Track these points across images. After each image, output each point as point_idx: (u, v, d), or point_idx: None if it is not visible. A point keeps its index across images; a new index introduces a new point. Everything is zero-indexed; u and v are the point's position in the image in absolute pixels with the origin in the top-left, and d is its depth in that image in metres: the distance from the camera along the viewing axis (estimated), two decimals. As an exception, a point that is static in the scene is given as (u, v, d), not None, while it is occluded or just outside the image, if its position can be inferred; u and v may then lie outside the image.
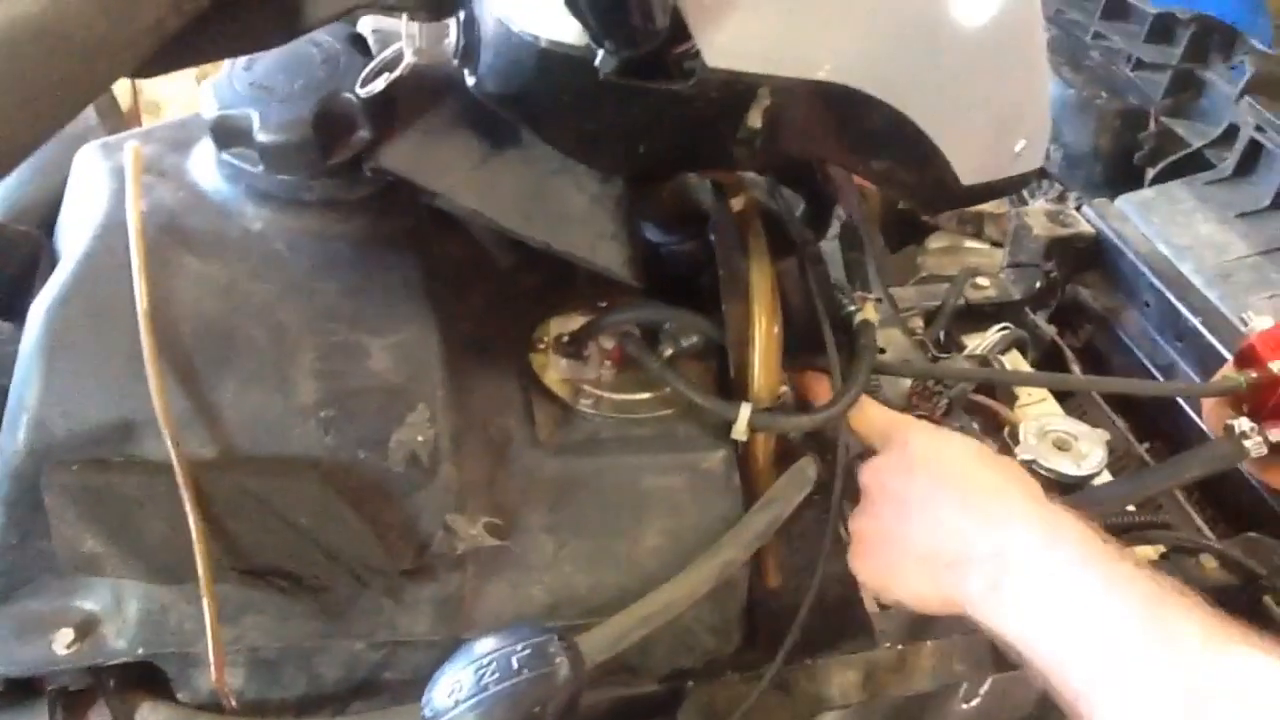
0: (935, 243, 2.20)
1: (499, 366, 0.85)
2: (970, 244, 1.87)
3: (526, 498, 0.81)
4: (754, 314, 0.84)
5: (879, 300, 1.28)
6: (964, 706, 0.94)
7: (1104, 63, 1.61)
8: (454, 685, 0.61)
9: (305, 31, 0.54)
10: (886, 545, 0.82)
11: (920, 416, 1.13)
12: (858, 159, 0.76)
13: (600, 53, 0.63)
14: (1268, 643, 0.65)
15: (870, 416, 0.87)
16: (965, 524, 0.76)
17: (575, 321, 0.91)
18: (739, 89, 0.67)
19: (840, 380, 0.86)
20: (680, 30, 0.64)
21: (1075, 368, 1.42)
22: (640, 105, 0.69)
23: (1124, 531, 1.11)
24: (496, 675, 0.60)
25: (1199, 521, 1.22)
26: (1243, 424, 0.93)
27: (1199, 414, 1.31)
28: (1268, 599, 1.08)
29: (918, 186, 0.77)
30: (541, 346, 0.90)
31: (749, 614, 0.92)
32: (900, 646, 0.98)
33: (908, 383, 1.15)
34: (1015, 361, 1.35)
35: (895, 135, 0.72)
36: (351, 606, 0.78)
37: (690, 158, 0.79)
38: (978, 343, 1.35)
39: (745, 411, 0.82)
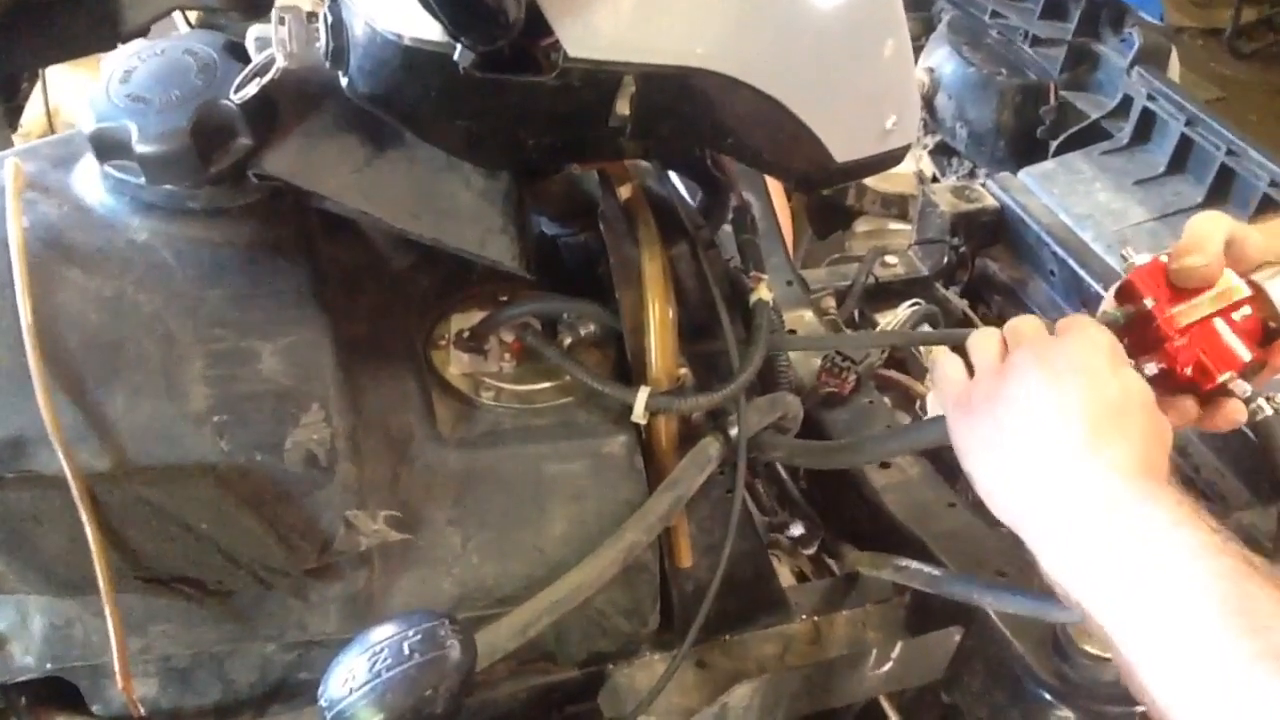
0: (861, 227, 2.23)
1: (398, 365, 0.85)
2: (894, 226, 1.91)
3: (430, 492, 0.82)
4: (647, 300, 0.86)
5: (789, 282, 1.32)
6: (876, 671, 0.96)
7: (1003, 41, 1.65)
8: (348, 674, 0.61)
9: (127, 37, 0.55)
10: (994, 430, 0.77)
11: (829, 393, 1.16)
12: (732, 142, 0.77)
13: (459, 48, 0.64)
14: None
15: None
16: (1070, 449, 0.72)
17: (475, 317, 0.92)
18: (603, 78, 0.68)
19: (737, 359, 0.88)
20: (542, 23, 0.65)
21: (987, 340, 1.45)
22: (508, 99, 0.70)
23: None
24: (389, 661, 0.61)
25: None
26: None
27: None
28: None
29: (793, 166, 0.79)
30: (442, 343, 0.91)
31: (664, 595, 0.93)
32: (815, 618, 1.00)
33: (818, 361, 1.17)
34: (927, 336, 1.38)
35: (766, 118, 0.74)
36: (258, 609, 0.78)
37: (570, 149, 0.80)
38: (889, 319, 1.38)
39: (643, 395, 0.83)
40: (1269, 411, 0.85)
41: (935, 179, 1.77)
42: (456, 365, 0.89)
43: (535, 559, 0.84)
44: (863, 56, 0.76)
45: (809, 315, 1.29)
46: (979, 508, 1.10)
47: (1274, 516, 1.10)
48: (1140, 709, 0.86)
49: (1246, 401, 0.84)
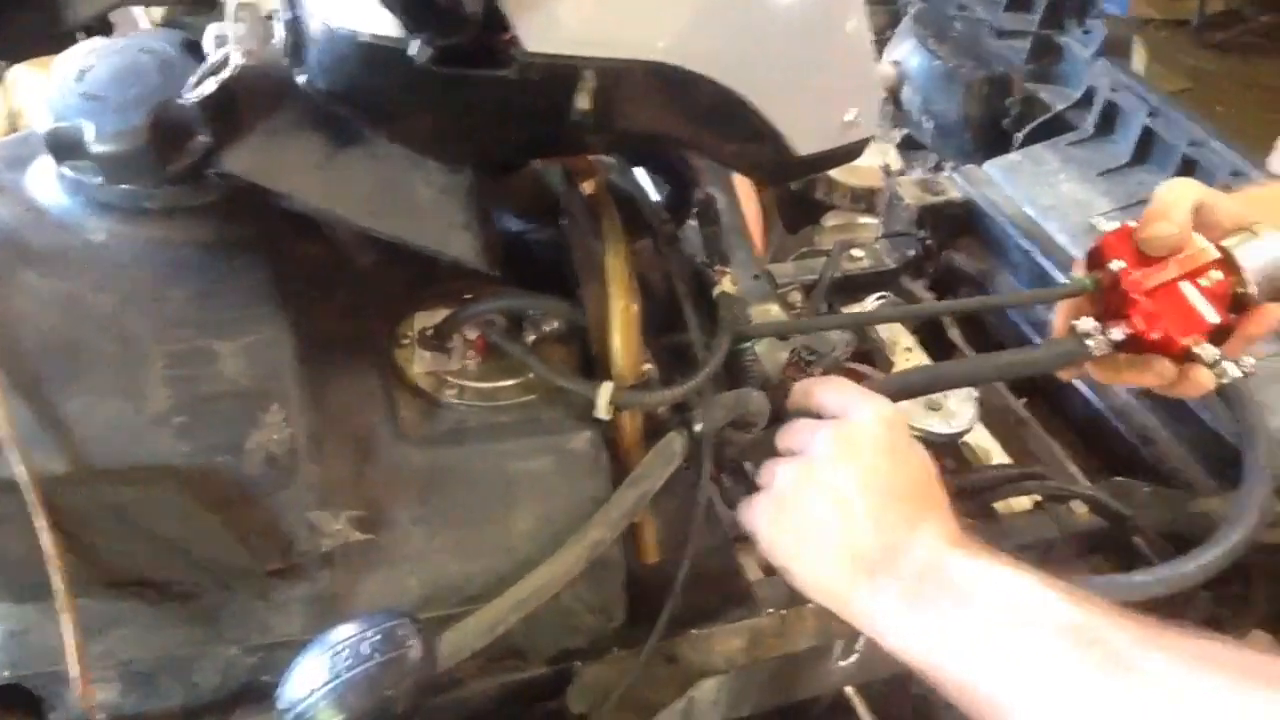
0: (831, 221, 2.24)
1: (361, 364, 0.85)
2: (864, 220, 1.91)
3: (394, 491, 0.82)
4: (611, 295, 0.86)
5: (756, 276, 1.31)
6: (841, 664, 0.96)
7: (968, 33, 1.65)
8: (307, 675, 0.61)
9: (71, 32, 0.54)
10: (803, 519, 0.81)
11: (796, 385, 1.16)
12: (693, 136, 0.77)
13: (416, 43, 0.64)
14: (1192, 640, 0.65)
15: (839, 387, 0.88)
16: (889, 523, 0.76)
17: (439, 315, 0.91)
18: (562, 73, 0.68)
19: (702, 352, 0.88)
20: (501, 17, 0.65)
21: (954, 332, 1.46)
22: (467, 94, 0.70)
23: (999, 484, 1.15)
24: (349, 662, 0.61)
25: (1074, 469, 1.26)
26: (1086, 324, 0.91)
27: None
28: (1137, 539, 1.12)
29: (754, 160, 0.79)
30: (405, 341, 0.90)
31: (631, 591, 0.93)
32: (783, 611, 1.00)
33: (784, 355, 1.17)
34: (895, 329, 1.39)
35: (726, 111, 0.74)
36: (221, 612, 0.78)
37: (532, 144, 0.80)
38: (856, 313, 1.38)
39: (606, 390, 0.83)
40: (1237, 375, 0.85)
41: (903, 172, 1.77)
42: (420, 363, 0.89)
43: (502, 557, 0.84)
44: (823, 49, 0.76)
45: (776, 309, 1.28)
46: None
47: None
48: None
49: (1213, 366, 0.85)
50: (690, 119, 0.75)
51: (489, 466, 0.84)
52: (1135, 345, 0.88)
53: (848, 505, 0.77)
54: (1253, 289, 0.87)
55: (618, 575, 0.91)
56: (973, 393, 1.17)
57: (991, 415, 1.37)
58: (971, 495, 1.15)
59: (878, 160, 1.77)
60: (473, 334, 0.90)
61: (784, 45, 0.74)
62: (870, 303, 1.39)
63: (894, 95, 1.69)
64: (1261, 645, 1.34)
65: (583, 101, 0.69)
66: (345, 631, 0.63)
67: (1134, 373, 0.92)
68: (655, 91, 0.71)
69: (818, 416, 0.87)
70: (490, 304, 0.89)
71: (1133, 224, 0.90)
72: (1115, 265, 0.87)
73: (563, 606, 0.89)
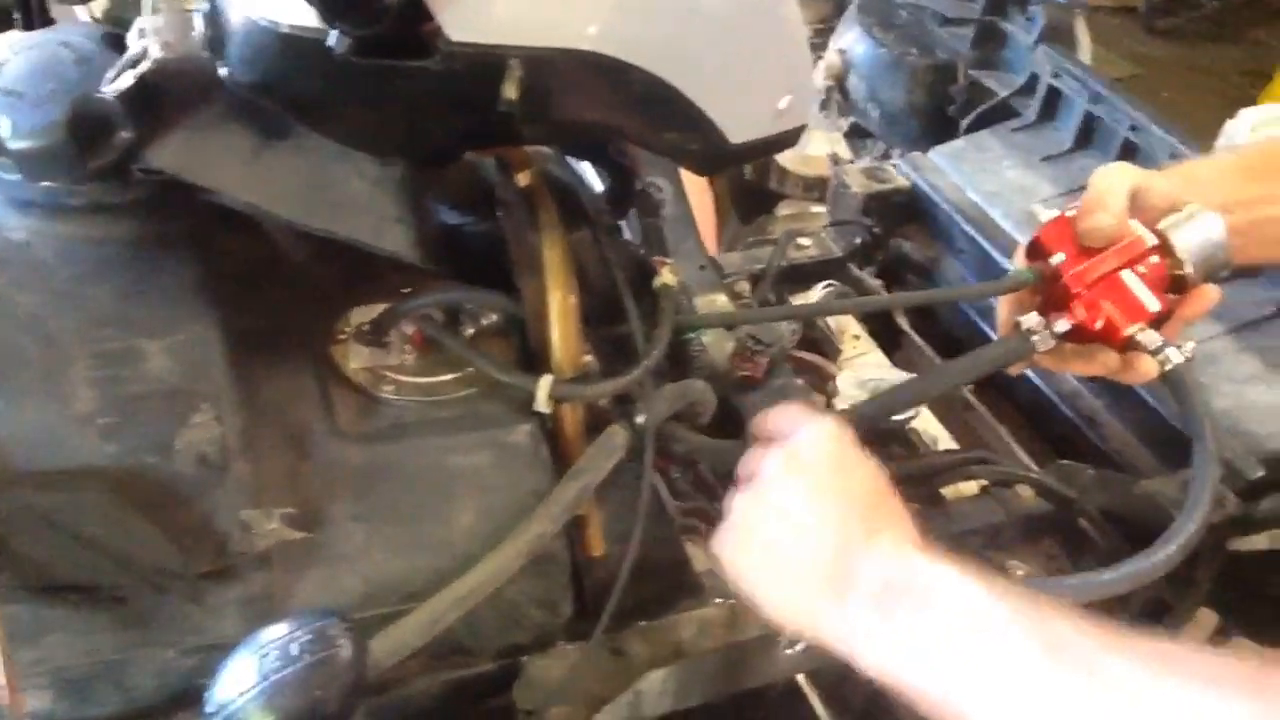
0: (784, 210, 2.24)
1: (295, 360, 0.84)
2: (816, 209, 1.92)
3: (331, 489, 0.81)
4: (548, 287, 0.85)
5: (702, 267, 1.31)
6: (790, 651, 0.96)
7: (913, 21, 1.66)
8: (236, 677, 0.60)
9: None
10: (761, 544, 0.79)
11: (744, 376, 1.16)
12: (624, 126, 0.77)
13: (335, 33, 0.63)
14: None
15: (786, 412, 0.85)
16: (846, 535, 0.74)
17: (377, 310, 0.90)
18: (487, 62, 0.67)
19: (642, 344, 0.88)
20: (423, 6, 0.64)
21: (903, 320, 1.46)
22: (391, 85, 0.69)
23: (945, 469, 1.16)
24: (278, 663, 0.60)
25: (1022, 454, 1.27)
26: (1029, 319, 0.90)
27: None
28: (1083, 522, 1.13)
29: (688, 149, 0.79)
30: (342, 337, 0.89)
31: (578, 584, 0.93)
32: (732, 601, 1.00)
33: (730, 345, 1.17)
34: (843, 317, 1.39)
35: (657, 100, 0.73)
36: (155, 615, 0.76)
37: (463, 135, 0.79)
38: (804, 301, 1.39)
39: (544, 383, 0.83)
40: (1179, 360, 0.86)
41: (852, 161, 1.78)
42: (357, 359, 0.88)
43: (442, 553, 0.83)
44: (754, 37, 0.76)
45: (723, 299, 1.28)
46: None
47: (1179, 484, 1.12)
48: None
49: (1156, 352, 0.85)
50: (621, 108, 0.74)
51: (428, 462, 0.83)
52: (1079, 336, 0.88)
53: (800, 522, 0.75)
54: (1190, 271, 0.88)
55: (562, 569, 0.90)
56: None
57: (939, 402, 1.38)
58: (918, 481, 1.15)
59: (825, 149, 1.77)
60: (410, 328, 0.89)
61: (714, 33, 0.73)
62: (818, 291, 1.39)
63: (840, 84, 1.70)
64: (1209, 622, 1.36)
65: (510, 91, 0.68)
66: (275, 632, 0.62)
67: (1080, 362, 0.93)
68: (584, 81, 0.71)
69: None
70: (427, 298, 0.88)
71: (1070, 212, 0.90)
72: (1055, 259, 0.88)
73: (506, 601, 0.88)
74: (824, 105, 1.73)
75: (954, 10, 1.62)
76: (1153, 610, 1.23)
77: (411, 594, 0.83)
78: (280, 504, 0.77)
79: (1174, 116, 1.40)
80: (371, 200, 0.79)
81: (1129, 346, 0.87)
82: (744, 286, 1.38)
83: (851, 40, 1.67)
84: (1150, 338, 0.85)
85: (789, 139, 0.82)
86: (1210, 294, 0.90)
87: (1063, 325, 0.86)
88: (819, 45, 1.77)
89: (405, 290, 0.92)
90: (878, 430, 1.19)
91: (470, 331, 0.88)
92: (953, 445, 1.25)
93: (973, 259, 1.38)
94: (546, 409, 0.84)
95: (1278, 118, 3.54)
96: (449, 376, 0.88)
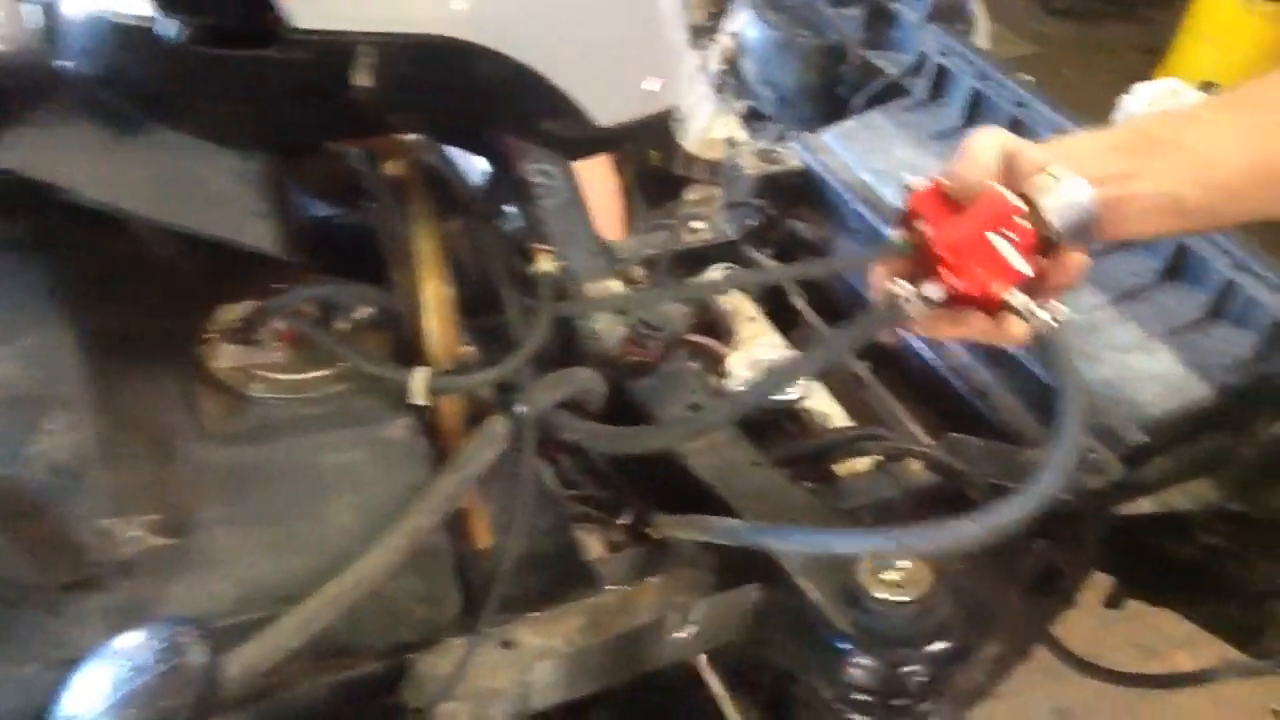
0: (692, 195, 2.23)
1: (160, 362, 0.82)
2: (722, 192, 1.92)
3: (200, 492, 0.79)
4: (421, 278, 0.83)
5: (595, 253, 1.30)
6: (678, 635, 0.96)
7: (803, 3, 1.66)
8: (86, 688, 0.58)
9: None
10: None
11: (637, 361, 1.16)
12: (487, 111, 0.75)
13: (171, 22, 0.61)
14: None
15: None
16: None
17: (247, 307, 0.88)
18: (335, 49, 0.65)
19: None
20: (262, -7, 0.62)
21: (798, 300, 1.47)
22: (236, 75, 0.67)
23: (838, 446, 1.17)
24: (129, 673, 0.58)
25: (916, 429, 1.28)
26: (900, 287, 0.89)
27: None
28: (972, 492, 1.14)
29: (556, 132, 0.78)
30: (211, 336, 0.87)
31: (464, 578, 0.91)
32: (624, 588, 1.00)
33: (622, 331, 1.16)
34: (739, 299, 1.39)
35: (517, 84, 0.72)
36: (13, 630, 0.74)
37: (322, 125, 0.78)
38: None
39: (419, 375, 0.81)
40: (1048, 320, 0.85)
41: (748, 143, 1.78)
42: (226, 358, 0.86)
43: (318, 553, 0.82)
44: (616, 18, 0.75)
45: (616, 285, 1.28)
46: (782, 465, 1.12)
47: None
48: (930, 649, 0.90)
49: (1026, 315, 0.85)
50: (481, 94, 0.73)
51: (299, 460, 0.82)
52: (951, 301, 0.88)
53: None
54: (1057, 233, 0.87)
55: (446, 563, 0.89)
56: (808, 359, 1.18)
57: (835, 379, 1.39)
58: (811, 459, 1.16)
59: (722, 132, 1.77)
60: (282, 325, 0.87)
61: (574, 15, 0.72)
62: (713, 273, 1.39)
63: (734, 67, 1.69)
64: (1106, 586, 1.39)
65: (362, 78, 0.66)
66: (127, 641, 0.61)
67: (952, 326, 0.91)
68: (440, 66, 0.69)
69: None
70: (297, 293, 0.86)
71: (940, 178, 0.90)
72: (924, 225, 0.88)
73: (389, 599, 0.87)
74: (719, 88, 1.73)
75: (843, -9, 1.62)
76: (1045, 575, 1.25)
77: (288, 596, 0.81)
78: (144, 510, 0.75)
79: (1074, 93, 1.42)
80: (231, 194, 0.77)
81: (1000, 309, 0.87)
82: (639, 271, 1.37)
83: (744, 23, 1.66)
84: (1020, 300, 0.85)
85: (663, 120, 0.81)
86: (1079, 262, 0.91)
87: (933, 291, 0.86)
88: (713, 29, 1.76)
89: (277, 286, 0.90)
90: (772, 411, 1.19)
91: (344, 326, 0.86)
92: (847, 422, 1.26)
93: (864, 238, 1.39)
94: (423, 401, 0.83)
95: (1172, 91, 3.63)
96: (322, 373, 0.86)
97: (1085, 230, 0.88)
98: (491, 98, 0.74)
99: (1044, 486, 0.83)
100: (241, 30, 0.63)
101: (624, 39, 0.76)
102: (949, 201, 0.89)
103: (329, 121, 0.76)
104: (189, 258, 0.88)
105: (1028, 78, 1.56)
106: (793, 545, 0.90)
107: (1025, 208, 0.87)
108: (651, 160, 2.73)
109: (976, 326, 0.89)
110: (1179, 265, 1.29)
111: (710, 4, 1.80)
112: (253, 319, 0.86)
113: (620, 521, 1.15)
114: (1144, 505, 1.22)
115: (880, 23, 1.60)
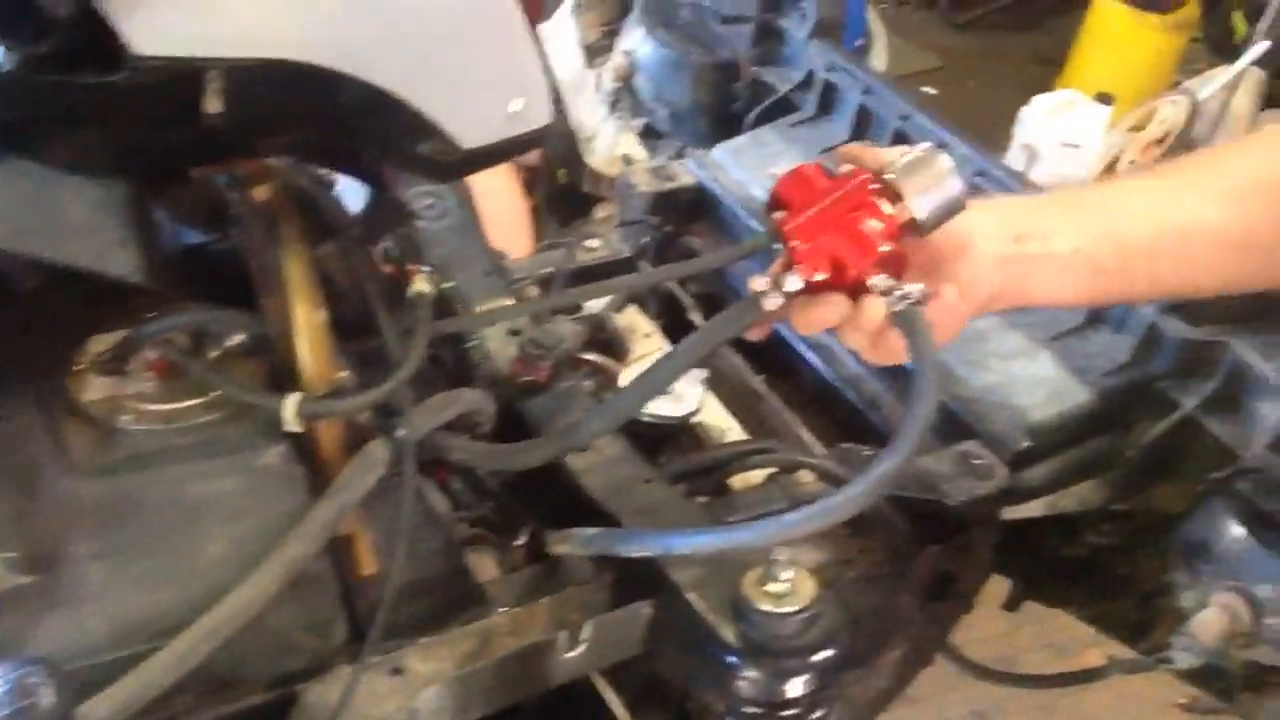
0: (601, 213, 2.25)
1: (21, 395, 0.80)
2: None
3: (67, 527, 0.77)
4: (292, 304, 0.83)
5: (488, 273, 1.30)
6: (570, 654, 0.96)
7: (694, 20, 1.68)
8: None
9: None
10: None
11: (527, 381, 1.16)
12: (348, 135, 0.75)
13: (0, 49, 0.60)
14: None
15: None
16: None
17: (118, 337, 0.87)
18: (181, 75, 0.65)
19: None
20: (102, 19, 0.61)
21: (695, 315, 1.48)
22: (85, 102, 0.66)
23: (730, 460, 1.18)
24: (-27, 718, 0.57)
25: (810, 440, 1.30)
26: (758, 281, 0.87)
27: (804, 341, 1.40)
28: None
29: (418, 156, 0.78)
30: (79, 367, 0.85)
31: (351, 606, 0.91)
32: (515, 610, 0.99)
33: (513, 350, 1.16)
34: (634, 316, 1.40)
35: (376, 108, 0.72)
36: None
37: (181, 151, 0.77)
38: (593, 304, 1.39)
39: (290, 401, 0.81)
40: (903, 299, 0.83)
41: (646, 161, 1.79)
42: (95, 389, 0.84)
43: (193, 585, 0.80)
44: (473, 40, 0.75)
45: (509, 304, 1.28)
46: (675, 481, 1.13)
47: (951, 459, 1.16)
48: (815, 659, 0.91)
49: (886, 293, 0.83)
50: (340, 118, 0.73)
51: (171, 491, 0.81)
52: (814, 288, 0.85)
53: None
54: (919, 212, 0.85)
55: (330, 591, 0.88)
56: (701, 374, 1.19)
57: (731, 393, 1.40)
58: (704, 474, 1.17)
59: (620, 150, 1.78)
60: (153, 355, 0.86)
61: (429, 37, 0.72)
62: (609, 291, 1.39)
63: (628, 85, 1.71)
64: (1006, 589, 1.42)
65: (212, 104, 0.66)
66: (-31, 684, 0.59)
67: (816, 313, 0.88)
68: (291, 91, 0.69)
69: None
70: (166, 322, 0.85)
71: (803, 162, 0.90)
72: (780, 214, 0.87)
73: (273, 629, 0.86)
74: (614, 106, 1.74)
75: (732, 8, 1.64)
76: (940, 581, 1.28)
77: (162, 631, 0.79)
78: (5, 547, 0.73)
79: (977, 104, 1.46)
80: (93, 223, 0.76)
81: (860, 293, 0.84)
82: (533, 291, 1.38)
83: (636, 41, 1.68)
84: (880, 281, 0.83)
85: (531, 140, 0.82)
86: (948, 294, 0.88)
87: (793, 281, 0.84)
88: (607, 47, 1.78)
89: (150, 315, 0.89)
90: (669, 425, 1.20)
91: (215, 354, 0.85)
92: (741, 435, 1.27)
93: (758, 254, 1.41)
94: (296, 428, 0.82)
95: (1067, 102, 3.73)
96: (194, 402, 0.85)
97: (951, 208, 0.85)
98: (350, 122, 0.74)
99: (887, 466, 0.81)
100: (81, 57, 0.62)
101: (482, 61, 0.76)
102: (813, 189, 0.87)
103: (187, 147, 0.75)
104: (55, 290, 0.86)
105: (931, 90, 1.59)
106: (683, 549, 0.90)
107: (884, 188, 0.84)
108: (560, 179, 2.74)
109: (836, 310, 0.87)
110: (1060, 273, 1.33)
111: (603, 23, 1.82)
112: (122, 349, 0.85)
113: (517, 544, 1.15)
114: (1034, 508, 1.25)
115: (770, 40, 1.63)
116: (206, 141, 0.73)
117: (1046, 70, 4.15)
